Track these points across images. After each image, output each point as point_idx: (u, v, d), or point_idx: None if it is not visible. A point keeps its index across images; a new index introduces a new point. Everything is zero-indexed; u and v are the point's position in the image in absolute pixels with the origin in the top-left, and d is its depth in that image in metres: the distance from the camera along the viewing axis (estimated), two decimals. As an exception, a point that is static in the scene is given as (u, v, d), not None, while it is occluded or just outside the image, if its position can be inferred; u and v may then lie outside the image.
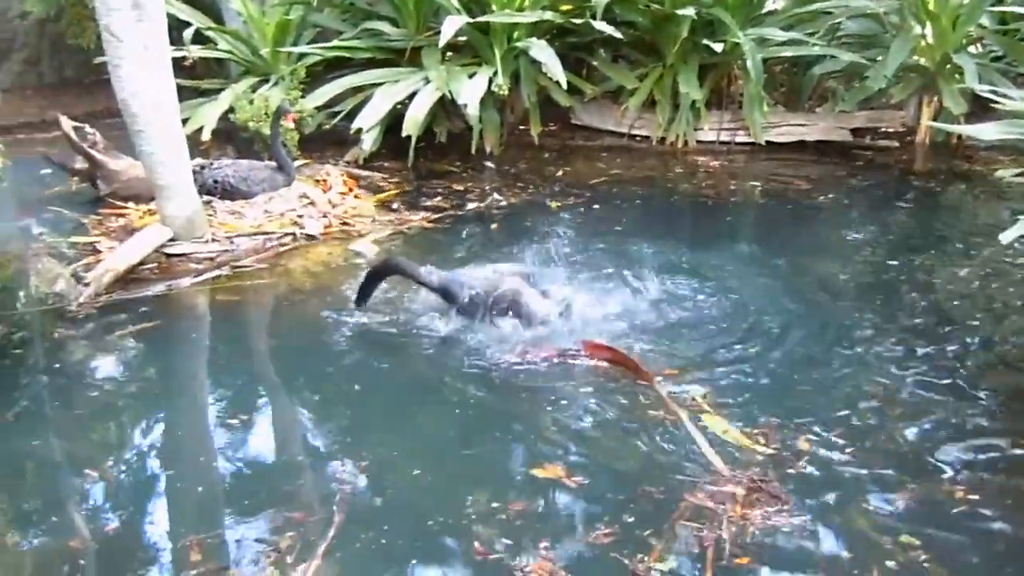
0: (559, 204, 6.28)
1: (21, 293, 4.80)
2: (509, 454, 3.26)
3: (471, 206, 6.23)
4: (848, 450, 3.18)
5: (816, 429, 3.31)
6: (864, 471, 3.07)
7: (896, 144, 7.63)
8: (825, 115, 7.70)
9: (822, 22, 7.68)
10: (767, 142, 7.43)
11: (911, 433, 3.35)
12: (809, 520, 2.79)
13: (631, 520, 2.80)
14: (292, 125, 6.20)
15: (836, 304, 4.60)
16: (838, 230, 5.84)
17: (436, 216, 5.95)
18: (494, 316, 4.06)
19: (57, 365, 3.98)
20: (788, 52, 7.41)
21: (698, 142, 7.55)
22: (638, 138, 7.73)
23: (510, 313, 4.07)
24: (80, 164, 6.20)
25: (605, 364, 3.79)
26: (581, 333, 4.00)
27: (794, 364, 3.88)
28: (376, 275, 4.29)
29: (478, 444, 3.34)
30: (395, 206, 6.18)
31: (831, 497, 2.94)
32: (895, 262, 5.16)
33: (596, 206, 6.27)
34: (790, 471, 3.05)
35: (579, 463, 3.14)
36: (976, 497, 2.91)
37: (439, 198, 6.36)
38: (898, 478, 3.03)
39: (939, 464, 3.12)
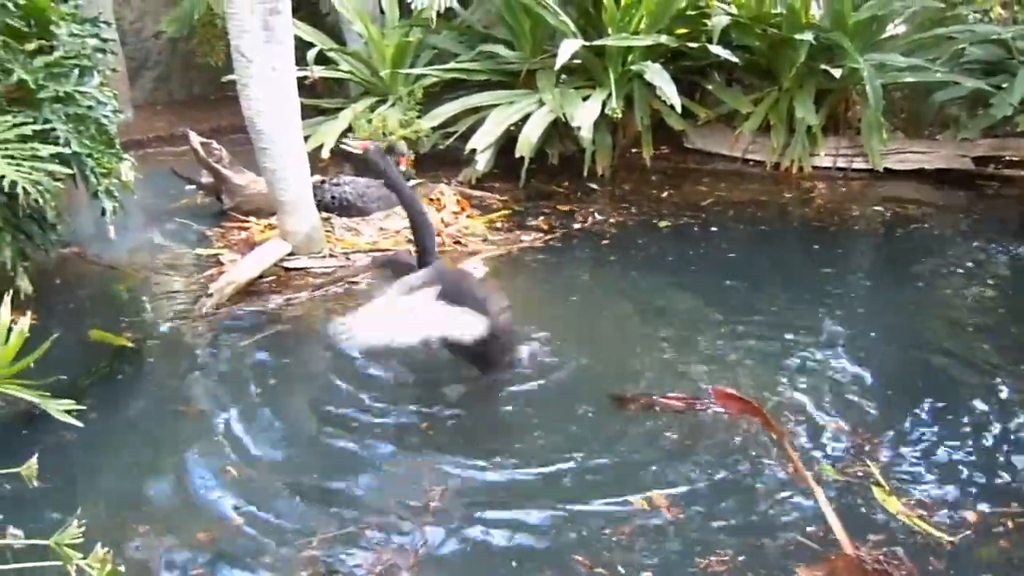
0: (668, 224, 6.30)
1: (147, 302, 5.02)
2: (618, 481, 3.22)
3: (577, 226, 6.27)
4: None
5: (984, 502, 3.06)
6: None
7: (1022, 174, 7.38)
8: (946, 143, 7.47)
9: (945, 48, 7.48)
10: (885, 169, 7.26)
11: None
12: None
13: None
14: (403, 167, 6.28)
15: (986, 354, 4.28)
16: (969, 265, 5.59)
17: (547, 236, 6.01)
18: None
19: (182, 373, 4.14)
20: (909, 78, 7.23)
21: (814, 168, 7.42)
22: (751, 163, 7.65)
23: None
24: (206, 178, 6.46)
25: (735, 414, 3.62)
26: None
27: (953, 422, 3.61)
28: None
29: (589, 466, 3.32)
30: (506, 226, 6.27)
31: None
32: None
33: (714, 228, 6.26)
34: (943, 547, 2.83)
35: (688, 500, 3.09)
36: None
37: (544, 218, 6.44)
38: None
39: None
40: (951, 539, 2.85)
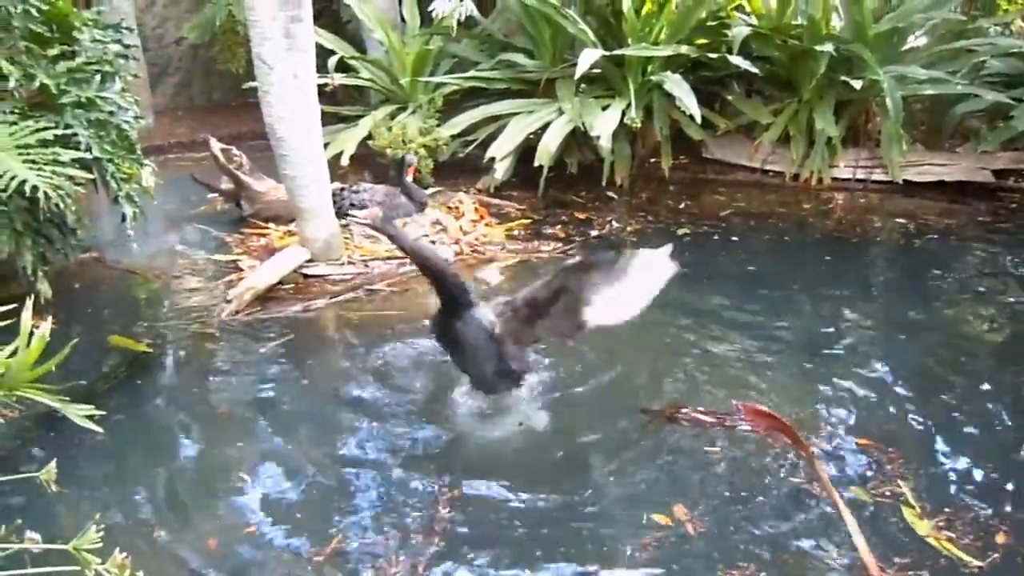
0: (687, 232, 6.29)
1: (166, 307, 5.02)
2: (641, 493, 3.19)
3: (595, 234, 6.28)
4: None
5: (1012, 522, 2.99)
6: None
7: (1043, 187, 7.32)
8: (966, 155, 7.41)
9: (965, 60, 7.47)
10: (905, 181, 7.21)
11: None
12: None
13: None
14: (411, 177, 6.31)
15: (1014, 372, 4.22)
16: (992, 278, 5.53)
17: (565, 245, 6.00)
18: None
19: (200, 379, 4.17)
20: (929, 90, 7.19)
21: (833, 179, 7.37)
22: (771, 173, 7.61)
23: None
24: (226, 184, 6.48)
25: (763, 430, 3.55)
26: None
27: (983, 441, 3.53)
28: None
29: (613, 478, 3.31)
30: (524, 234, 6.26)
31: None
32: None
33: (733, 238, 6.23)
34: (970, 570, 2.77)
35: (711, 515, 3.05)
36: None
37: (562, 226, 6.44)
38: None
39: None
40: (979, 563, 2.79)
